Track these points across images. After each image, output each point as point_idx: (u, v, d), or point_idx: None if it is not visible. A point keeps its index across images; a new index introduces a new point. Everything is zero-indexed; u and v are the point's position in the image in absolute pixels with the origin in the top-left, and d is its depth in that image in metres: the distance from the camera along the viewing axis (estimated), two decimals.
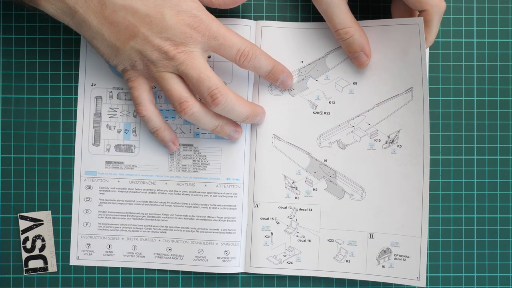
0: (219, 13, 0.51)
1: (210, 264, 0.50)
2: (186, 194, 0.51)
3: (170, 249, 0.51)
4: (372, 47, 0.49)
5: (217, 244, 0.50)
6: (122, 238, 0.51)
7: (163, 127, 0.49)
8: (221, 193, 0.51)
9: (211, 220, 0.50)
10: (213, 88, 0.45)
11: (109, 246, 0.51)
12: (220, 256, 0.50)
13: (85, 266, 0.51)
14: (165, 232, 0.51)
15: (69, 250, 0.51)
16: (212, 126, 0.48)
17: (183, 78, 0.46)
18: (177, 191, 0.51)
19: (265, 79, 0.49)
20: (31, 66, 0.51)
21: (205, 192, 0.51)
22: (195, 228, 0.51)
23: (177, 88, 0.46)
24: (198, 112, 0.46)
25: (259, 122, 0.50)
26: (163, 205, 0.51)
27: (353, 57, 0.48)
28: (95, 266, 0.51)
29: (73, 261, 0.51)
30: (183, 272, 0.51)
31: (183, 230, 0.51)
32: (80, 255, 0.51)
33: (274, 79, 0.49)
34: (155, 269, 0.52)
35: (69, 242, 0.51)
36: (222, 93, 0.45)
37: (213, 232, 0.50)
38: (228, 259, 0.50)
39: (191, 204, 0.51)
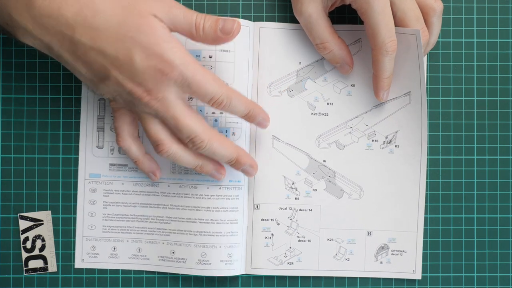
0: (219, 12, 0.54)
1: (213, 267, 0.52)
2: (188, 197, 0.53)
3: (173, 252, 0.53)
4: (371, 51, 0.53)
5: (220, 247, 0.52)
6: (127, 241, 0.54)
7: (142, 159, 0.51)
8: (223, 196, 0.53)
9: (214, 223, 0.52)
10: (192, 136, 0.46)
11: (114, 248, 0.54)
12: (223, 259, 0.52)
13: (84, 268, 0.54)
14: (169, 235, 0.53)
15: (71, 251, 0.54)
16: (192, 166, 0.50)
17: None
18: (180, 193, 0.53)
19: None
20: (31, 66, 0.54)
21: (207, 195, 0.53)
22: (197, 231, 0.52)
23: (153, 128, 0.47)
24: (175, 152, 0.48)
25: (248, 175, 0.51)
26: (166, 208, 0.53)
27: (337, 67, 0.53)
28: (100, 268, 0.54)
29: (78, 264, 0.54)
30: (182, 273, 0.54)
31: (186, 233, 0.53)
32: (85, 258, 0.54)
33: (249, 121, 0.50)
34: (159, 272, 0.54)
35: (69, 242, 0.54)
36: (203, 139, 0.47)
37: (216, 235, 0.52)
38: (231, 262, 0.53)
39: (194, 207, 0.53)
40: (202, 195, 0.53)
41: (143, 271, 0.54)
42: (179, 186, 0.53)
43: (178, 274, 0.54)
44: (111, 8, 0.44)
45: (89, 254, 0.54)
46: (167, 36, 0.45)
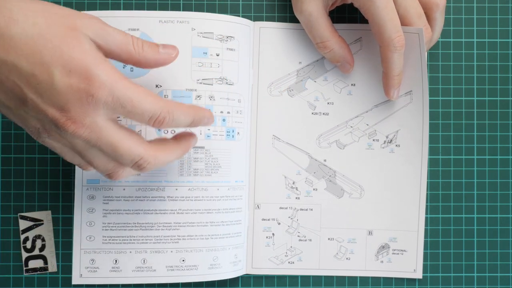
0: (219, 12, 0.54)
1: (224, 270, 0.52)
2: (199, 200, 0.51)
3: (183, 260, 0.51)
4: (372, 50, 0.53)
5: (229, 248, 0.52)
6: (130, 252, 0.51)
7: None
8: (231, 196, 0.52)
9: (224, 224, 0.52)
10: (136, 160, 0.41)
11: (116, 261, 0.51)
12: (232, 261, 0.52)
13: (82, 284, 0.52)
14: (178, 242, 0.51)
15: (71, 251, 0.53)
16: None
17: None
18: (189, 197, 0.51)
19: None
20: None
21: (217, 196, 0.52)
22: (209, 235, 0.52)
23: (96, 160, 0.42)
24: (130, 172, 0.44)
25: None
26: (174, 213, 0.51)
27: (337, 66, 0.53)
28: (100, 284, 0.52)
29: (76, 280, 0.52)
30: (193, 281, 0.53)
31: (197, 238, 0.51)
32: (83, 273, 0.51)
33: (194, 126, 0.46)
34: (168, 283, 0.53)
35: (69, 242, 0.54)
36: (149, 160, 0.42)
37: (226, 237, 0.52)
38: (237, 263, 0.53)
39: (204, 210, 0.51)
40: (213, 196, 0.52)
41: (144, 284, 0.53)
42: (188, 189, 0.51)
43: (187, 282, 0.54)
44: (32, 17, 0.38)
45: (88, 269, 0.52)
46: (94, 52, 0.39)
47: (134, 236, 0.51)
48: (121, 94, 0.39)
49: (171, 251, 0.51)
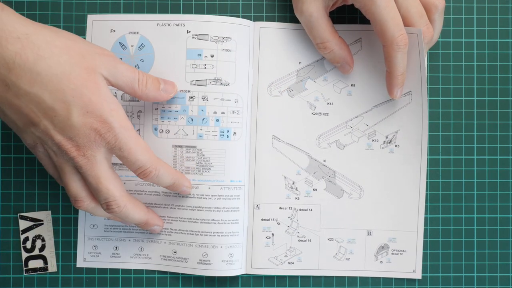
0: (219, 12, 0.55)
1: (214, 267, 0.53)
2: (190, 197, 0.53)
3: (175, 252, 0.54)
4: (371, 51, 0.53)
5: (221, 247, 0.53)
6: (129, 240, 0.55)
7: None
8: (225, 196, 0.53)
9: (215, 223, 0.53)
10: (109, 200, 0.47)
11: (116, 247, 0.55)
12: (224, 259, 0.53)
13: (85, 267, 0.55)
14: (170, 235, 0.54)
15: (71, 251, 0.54)
16: (107, 217, 0.52)
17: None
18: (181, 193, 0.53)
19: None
20: None
21: (208, 195, 0.53)
22: (199, 232, 0.53)
23: (73, 184, 0.47)
24: (93, 208, 0.49)
25: (154, 232, 0.54)
26: (167, 208, 0.54)
27: (337, 67, 0.53)
28: (101, 268, 0.55)
29: (80, 263, 0.55)
30: (184, 272, 0.54)
31: (188, 233, 0.53)
32: (87, 257, 0.55)
33: (173, 190, 0.52)
34: (160, 271, 0.55)
35: (69, 242, 0.55)
36: (119, 205, 0.47)
37: (217, 236, 0.53)
38: (232, 262, 0.53)
39: (195, 207, 0.53)
40: (203, 195, 0.53)
41: (143, 270, 0.55)
42: None
43: (179, 273, 0.55)
44: (57, 55, 0.44)
45: (91, 254, 0.55)
46: (110, 97, 0.45)
47: (133, 226, 0.55)
48: (124, 141, 0.45)
49: (164, 242, 0.54)
